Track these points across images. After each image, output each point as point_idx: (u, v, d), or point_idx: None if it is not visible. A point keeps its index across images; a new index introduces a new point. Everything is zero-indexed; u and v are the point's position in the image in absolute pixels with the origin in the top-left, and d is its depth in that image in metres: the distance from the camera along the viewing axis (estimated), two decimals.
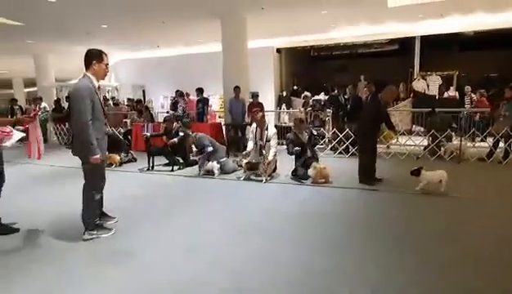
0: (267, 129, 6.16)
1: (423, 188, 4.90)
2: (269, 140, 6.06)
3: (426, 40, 12.20)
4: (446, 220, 3.93)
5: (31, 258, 3.06)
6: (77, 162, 6.72)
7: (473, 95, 10.28)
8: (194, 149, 6.58)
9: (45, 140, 12.64)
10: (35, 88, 15.84)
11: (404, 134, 8.13)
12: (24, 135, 3.86)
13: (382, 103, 5.40)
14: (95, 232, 3.45)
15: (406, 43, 13.35)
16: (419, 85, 11.91)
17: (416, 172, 4.95)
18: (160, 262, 2.93)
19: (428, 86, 12.02)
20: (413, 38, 12.43)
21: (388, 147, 8.09)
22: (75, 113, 3.20)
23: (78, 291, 2.50)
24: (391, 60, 14.57)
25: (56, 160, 8.41)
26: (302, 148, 5.80)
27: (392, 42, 13.40)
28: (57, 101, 12.70)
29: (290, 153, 5.89)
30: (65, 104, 12.67)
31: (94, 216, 3.48)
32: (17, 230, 3.72)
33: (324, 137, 8.57)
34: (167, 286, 2.57)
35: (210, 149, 6.38)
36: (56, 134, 12.17)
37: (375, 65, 14.53)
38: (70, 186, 5.80)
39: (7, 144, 3.69)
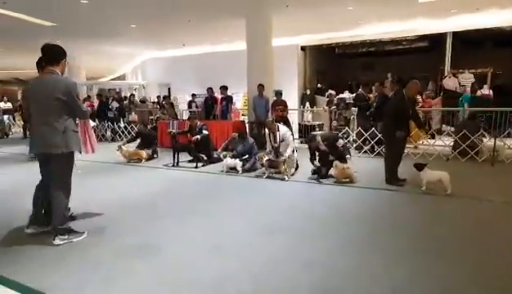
0: (278, 130, 6.23)
1: (425, 187, 4.80)
2: (283, 140, 6.14)
3: (458, 36, 11.68)
4: (476, 223, 3.74)
5: (63, 253, 3.17)
6: (109, 156, 6.98)
7: (418, 97, 10.19)
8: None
9: None
10: None
11: (434, 134, 7.83)
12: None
13: (406, 99, 5.18)
14: (66, 236, 3.30)
15: (436, 40, 12.83)
16: (450, 82, 11.43)
17: (420, 167, 4.82)
18: (184, 259, 2.97)
19: (459, 84, 11.52)
20: (444, 34, 11.94)
21: (415, 147, 7.84)
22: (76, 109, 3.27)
23: (111, 285, 2.57)
24: (420, 57, 14.08)
25: (86, 155, 8.74)
26: (322, 153, 5.74)
27: (421, 38, 12.92)
28: (88, 99, 13.22)
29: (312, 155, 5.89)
30: (95, 102, 13.17)
31: (66, 219, 3.37)
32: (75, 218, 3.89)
33: (348, 136, 8.41)
34: (190, 283, 2.60)
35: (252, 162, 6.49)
36: None
37: (403, 63, 14.11)
38: (97, 181, 6.02)
39: None
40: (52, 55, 3.24)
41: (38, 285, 2.57)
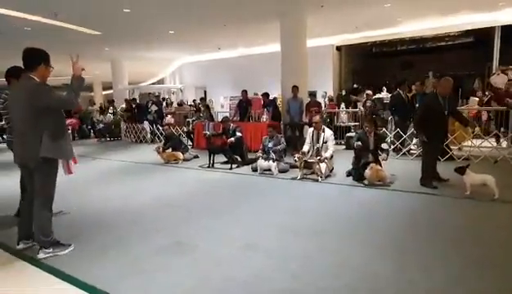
0: (323, 131, 6.29)
1: (469, 191, 4.53)
2: (326, 142, 6.20)
3: (508, 30, 10.90)
4: None
5: (105, 247, 3.37)
6: (149, 157, 7.30)
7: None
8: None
9: (118, 137, 13.90)
10: (111, 91, 17.50)
11: (479, 135, 7.37)
12: None
13: (430, 97, 5.06)
14: (51, 250, 3.13)
15: (483, 35, 12.05)
16: (498, 80, 10.68)
17: (461, 170, 4.56)
18: (219, 257, 3.05)
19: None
20: (492, 29, 11.20)
21: (460, 149, 7.43)
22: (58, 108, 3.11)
23: (149, 279, 2.71)
24: (465, 53, 13.30)
25: (127, 156, 9.23)
26: (363, 149, 5.60)
27: (466, 33, 12.20)
28: (130, 101, 13.91)
29: (352, 147, 5.86)
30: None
31: (51, 232, 3.16)
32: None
33: (386, 138, 8.12)
34: (225, 279, 2.68)
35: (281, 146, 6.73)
36: (127, 132, 13.33)
37: (445, 60, 13.41)
38: (138, 181, 6.33)
39: None
40: (27, 61, 3.00)
41: (80, 276, 2.76)
